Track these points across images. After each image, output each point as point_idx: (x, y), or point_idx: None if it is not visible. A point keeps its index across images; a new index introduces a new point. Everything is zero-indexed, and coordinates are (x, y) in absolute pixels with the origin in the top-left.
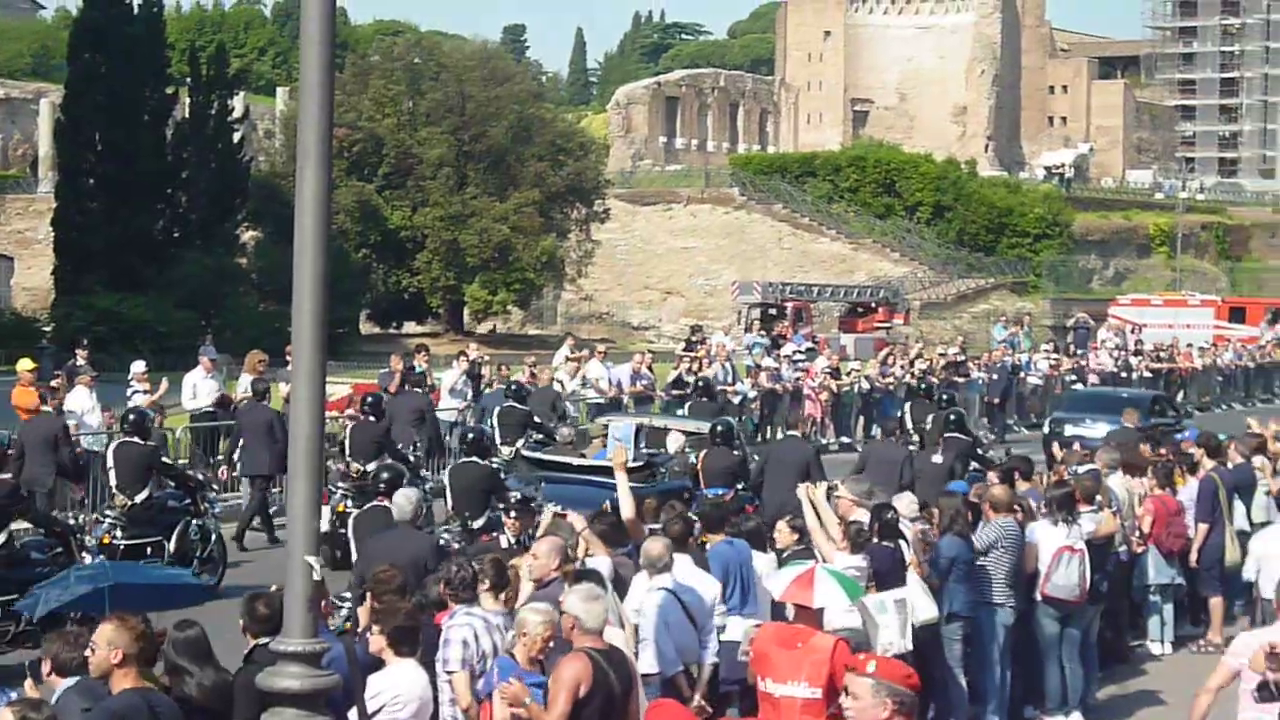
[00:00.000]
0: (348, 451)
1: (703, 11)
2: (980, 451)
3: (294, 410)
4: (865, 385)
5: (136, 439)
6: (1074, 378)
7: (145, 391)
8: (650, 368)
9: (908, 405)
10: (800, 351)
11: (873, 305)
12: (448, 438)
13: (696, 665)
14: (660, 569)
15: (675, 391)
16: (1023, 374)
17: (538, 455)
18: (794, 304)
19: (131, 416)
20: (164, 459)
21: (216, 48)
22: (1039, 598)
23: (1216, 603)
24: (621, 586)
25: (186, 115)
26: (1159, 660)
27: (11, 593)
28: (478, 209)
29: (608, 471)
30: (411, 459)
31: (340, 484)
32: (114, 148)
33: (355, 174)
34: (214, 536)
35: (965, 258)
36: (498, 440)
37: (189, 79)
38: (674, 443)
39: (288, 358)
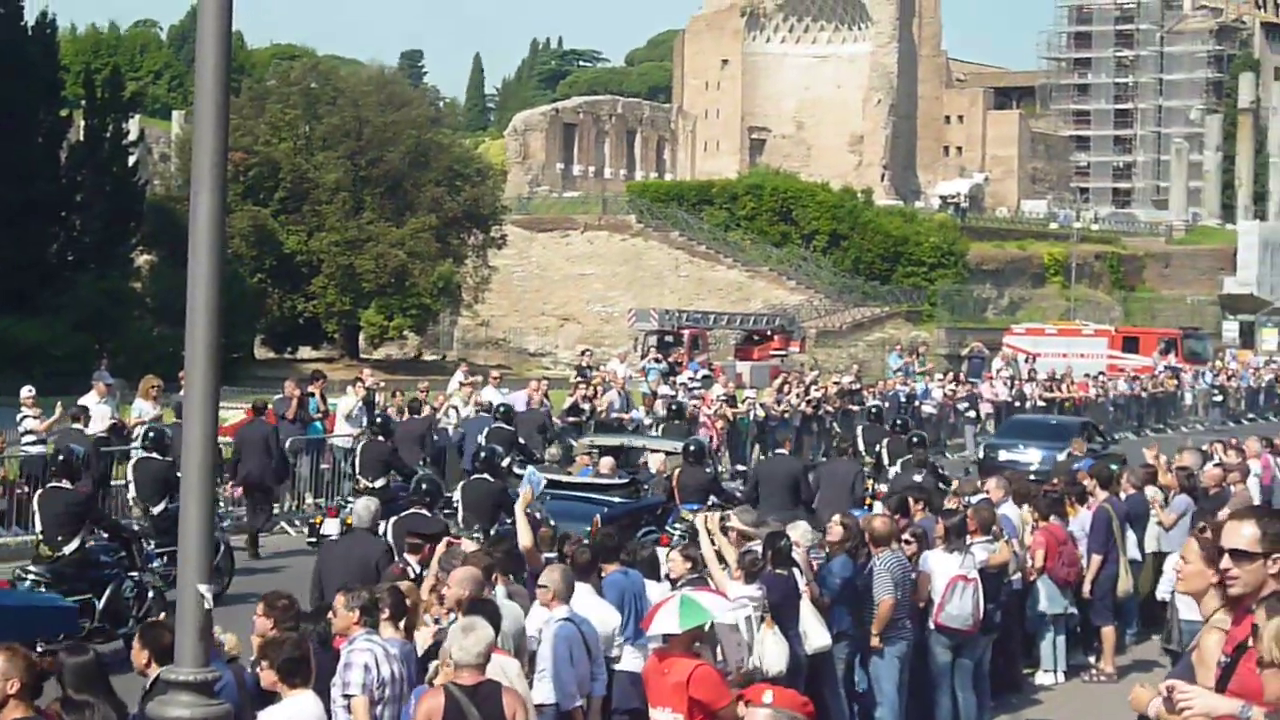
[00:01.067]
0: (358, 469)
1: (601, 39)
2: (941, 472)
3: (187, 437)
4: (760, 413)
5: (156, 455)
6: (967, 405)
7: (35, 416)
8: (546, 395)
9: (860, 429)
10: (696, 379)
11: (769, 333)
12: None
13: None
14: (560, 598)
15: (571, 419)
16: (917, 402)
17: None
18: (690, 331)
19: (151, 434)
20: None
21: (112, 70)
22: (932, 627)
23: (1109, 632)
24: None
25: (81, 138)
26: (1051, 689)
27: (85, 592)
28: (374, 234)
29: (595, 488)
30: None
31: (350, 499)
32: (7, 170)
33: (251, 198)
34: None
35: (861, 286)
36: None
37: (84, 101)
38: (656, 462)
39: (181, 382)
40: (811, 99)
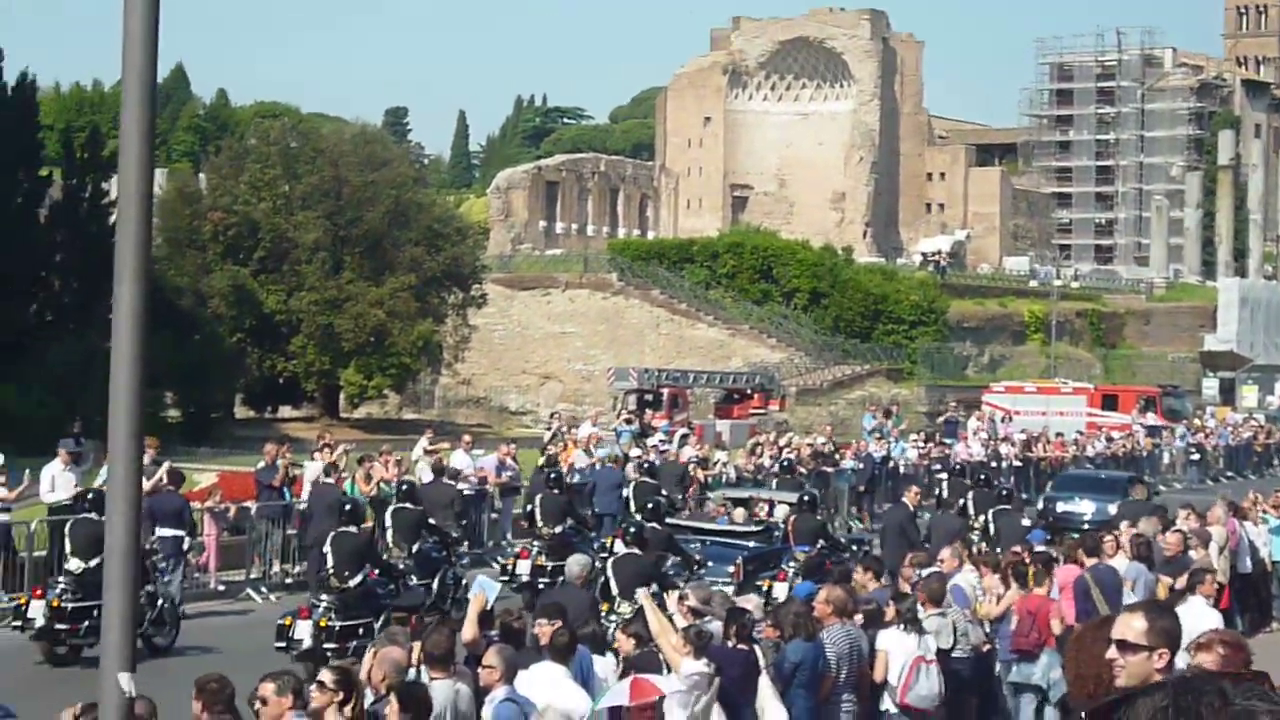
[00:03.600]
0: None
1: (584, 96)
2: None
3: (110, 515)
4: (732, 474)
5: (409, 504)
6: (939, 466)
7: (2, 484)
8: (514, 458)
9: (970, 494)
10: (666, 440)
11: (749, 391)
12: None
13: None
14: (503, 679)
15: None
16: (892, 463)
17: (678, 521)
18: (670, 390)
19: (403, 486)
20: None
21: (91, 130)
22: (894, 709)
23: None
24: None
25: (60, 197)
26: None
27: (366, 618)
28: (353, 293)
29: (736, 535)
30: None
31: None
32: None
33: (230, 258)
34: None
35: (841, 344)
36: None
37: (64, 161)
38: (781, 512)
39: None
40: (793, 156)
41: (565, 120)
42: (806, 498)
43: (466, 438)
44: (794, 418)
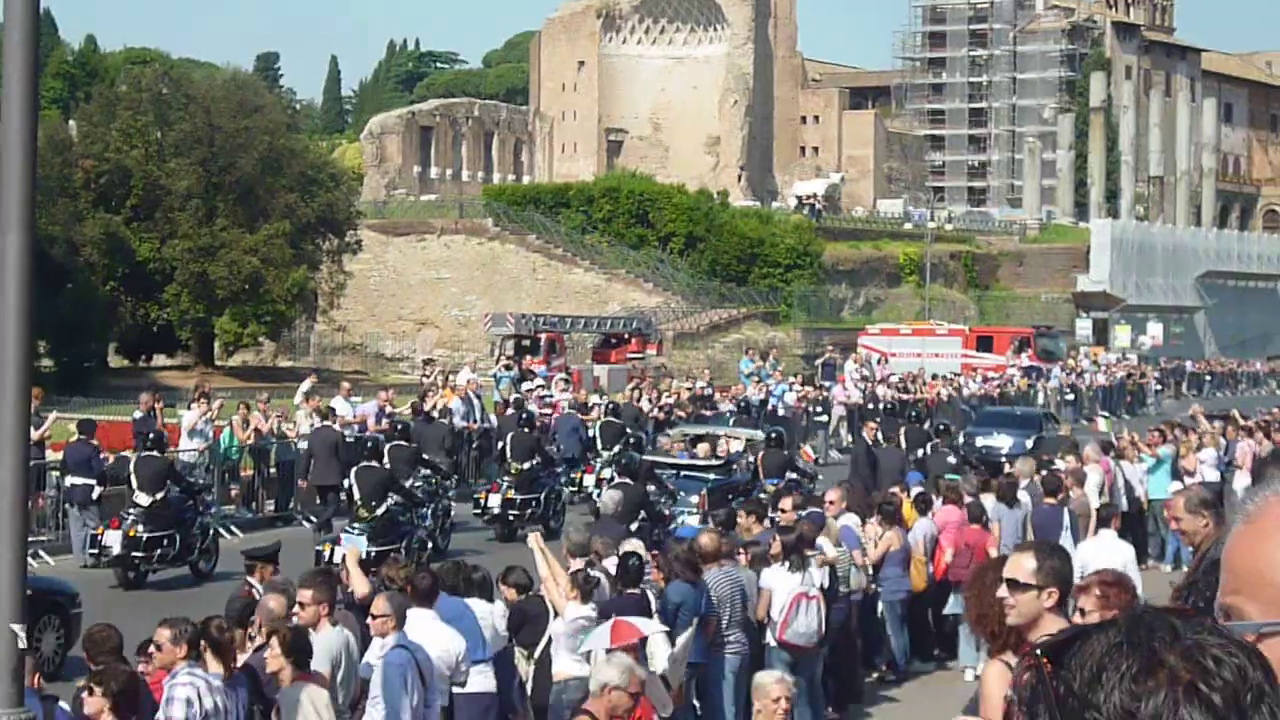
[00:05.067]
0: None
1: (457, 41)
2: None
3: None
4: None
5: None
6: (820, 409)
7: None
8: (391, 403)
9: (903, 430)
10: (545, 385)
11: (626, 336)
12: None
13: None
14: (393, 626)
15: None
16: (771, 405)
17: (651, 458)
18: (547, 335)
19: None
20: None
21: None
22: (773, 643)
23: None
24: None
25: None
26: (895, 700)
27: (394, 542)
28: (227, 241)
29: (699, 469)
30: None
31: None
32: None
33: (102, 206)
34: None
35: (718, 288)
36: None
37: None
38: (736, 446)
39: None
40: (668, 101)
41: (438, 65)
42: (774, 434)
43: (346, 385)
44: (671, 362)
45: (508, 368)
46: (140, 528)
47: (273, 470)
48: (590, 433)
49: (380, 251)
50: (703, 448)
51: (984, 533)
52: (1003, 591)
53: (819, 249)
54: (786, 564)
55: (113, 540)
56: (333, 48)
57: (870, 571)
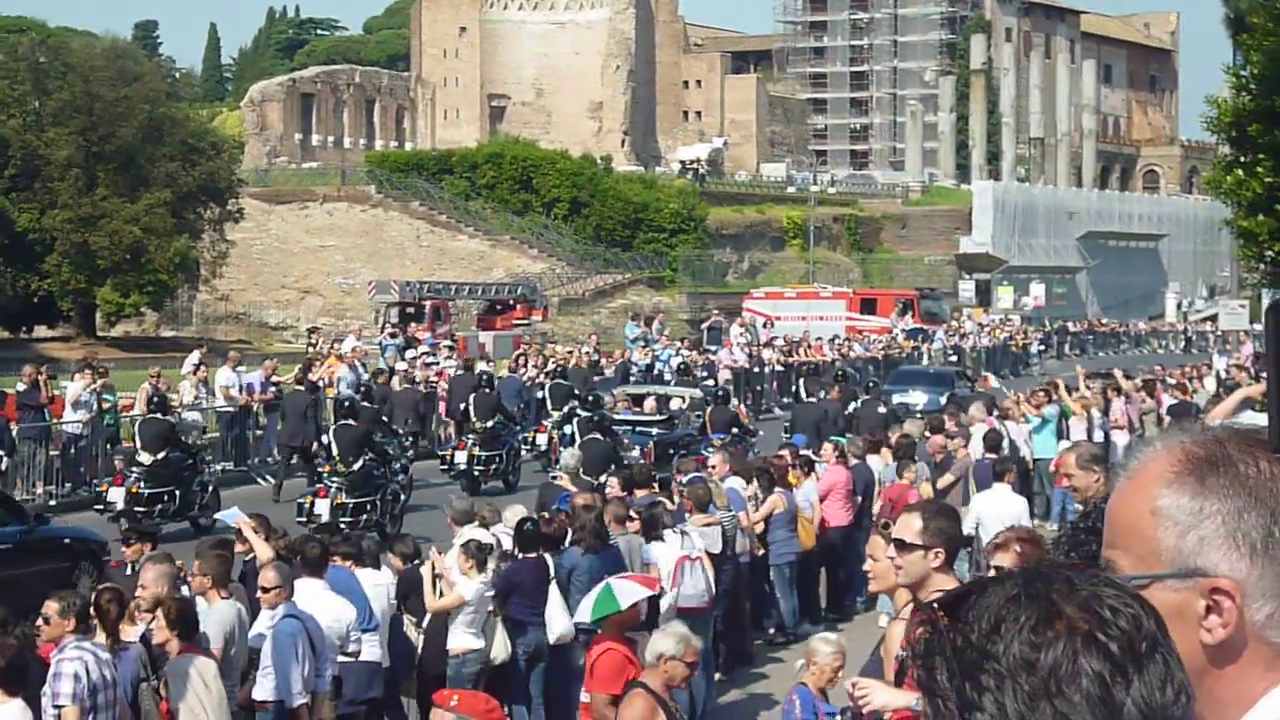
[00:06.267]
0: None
1: (338, 7)
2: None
3: None
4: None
5: (159, 414)
6: (706, 373)
7: None
8: (276, 372)
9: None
10: (431, 352)
11: (511, 302)
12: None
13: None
14: (282, 596)
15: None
16: (657, 370)
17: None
18: (432, 302)
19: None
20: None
21: None
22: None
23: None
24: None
25: None
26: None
27: (369, 495)
28: (108, 210)
29: (643, 424)
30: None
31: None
32: None
33: None
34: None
35: (603, 253)
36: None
37: None
38: (677, 403)
39: None
40: (550, 66)
41: (319, 31)
42: (720, 391)
43: (233, 354)
44: (557, 328)
45: (392, 335)
46: (142, 484)
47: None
48: (540, 394)
49: (263, 220)
50: (650, 403)
51: (908, 488)
52: (891, 551)
53: (703, 213)
54: (671, 530)
55: (116, 496)
56: (212, 15)
57: (755, 534)
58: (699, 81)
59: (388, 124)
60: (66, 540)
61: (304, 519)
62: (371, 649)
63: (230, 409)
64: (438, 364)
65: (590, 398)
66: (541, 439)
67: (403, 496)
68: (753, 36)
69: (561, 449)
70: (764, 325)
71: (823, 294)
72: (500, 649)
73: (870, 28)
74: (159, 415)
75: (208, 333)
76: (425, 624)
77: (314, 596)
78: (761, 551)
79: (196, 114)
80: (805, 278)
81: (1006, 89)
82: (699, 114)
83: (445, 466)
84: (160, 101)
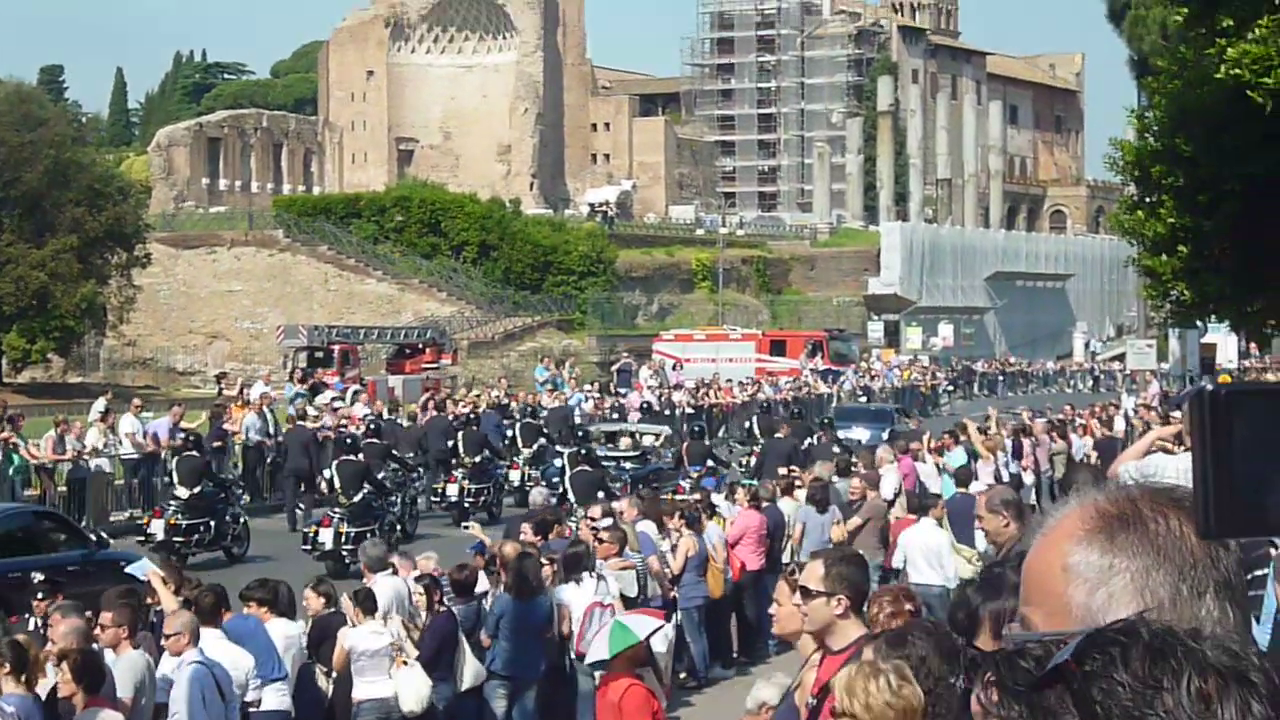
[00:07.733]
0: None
1: (245, 51)
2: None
3: None
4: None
5: (194, 452)
6: (616, 415)
7: None
8: (183, 418)
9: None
10: (339, 397)
11: (420, 346)
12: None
13: None
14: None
15: (215, 443)
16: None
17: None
18: (340, 346)
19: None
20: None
21: None
22: (574, 656)
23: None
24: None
25: None
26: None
27: (370, 524)
28: (13, 256)
29: (616, 459)
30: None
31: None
32: None
33: None
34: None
35: (512, 296)
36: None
37: None
38: (649, 439)
39: None
40: (458, 109)
41: (226, 75)
42: (697, 427)
43: (136, 401)
44: (466, 371)
45: (301, 380)
46: (180, 517)
47: (62, 489)
48: (510, 433)
49: (170, 264)
50: (626, 440)
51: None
52: (796, 599)
53: (612, 256)
54: (583, 576)
55: (157, 528)
56: (119, 59)
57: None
58: (607, 124)
59: (295, 168)
60: (121, 563)
61: (309, 547)
62: (279, 698)
63: (135, 455)
64: (347, 409)
65: (581, 432)
66: (514, 475)
67: (399, 528)
68: (661, 79)
69: (529, 488)
70: (674, 368)
71: (732, 336)
72: (412, 701)
73: (777, 70)
74: (194, 453)
75: (115, 378)
76: (333, 674)
77: (209, 645)
78: (674, 595)
79: (103, 159)
80: (714, 319)
81: (913, 130)
82: (607, 156)
83: (437, 499)
84: (66, 146)
